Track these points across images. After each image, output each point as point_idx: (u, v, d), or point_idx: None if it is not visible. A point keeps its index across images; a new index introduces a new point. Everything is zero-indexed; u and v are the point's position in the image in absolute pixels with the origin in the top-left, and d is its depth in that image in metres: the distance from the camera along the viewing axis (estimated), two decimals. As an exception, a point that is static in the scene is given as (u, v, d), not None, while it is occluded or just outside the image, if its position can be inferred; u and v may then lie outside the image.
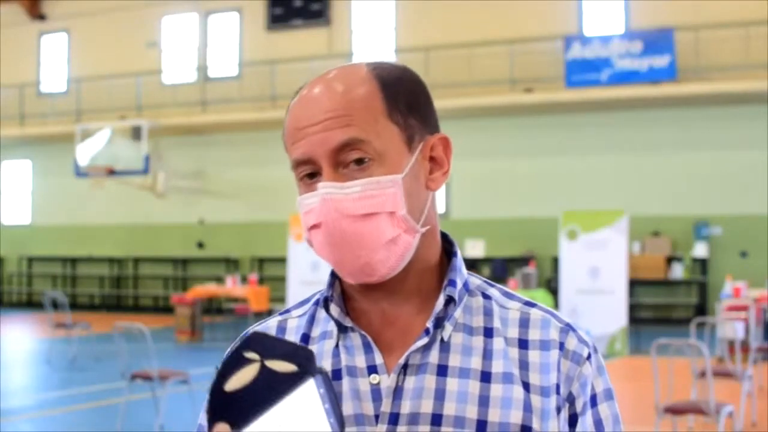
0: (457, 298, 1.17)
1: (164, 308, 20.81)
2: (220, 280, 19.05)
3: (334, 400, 0.94)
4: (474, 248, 19.02)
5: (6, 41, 23.69)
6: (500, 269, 18.53)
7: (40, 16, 23.93)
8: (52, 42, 23.96)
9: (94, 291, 23.24)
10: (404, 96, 1.18)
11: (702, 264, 17.73)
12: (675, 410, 6.42)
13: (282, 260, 17.46)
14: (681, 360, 8.00)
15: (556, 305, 14.61)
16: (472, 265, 18.67)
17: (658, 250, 17.83)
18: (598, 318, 13.40)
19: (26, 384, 11.48)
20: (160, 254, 22.31)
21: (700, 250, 17.60)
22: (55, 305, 13.31)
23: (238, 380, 0.94)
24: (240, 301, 16.72)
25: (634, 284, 16.48)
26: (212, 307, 19.16)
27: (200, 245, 21.93)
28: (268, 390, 0.93)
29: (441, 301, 1.16)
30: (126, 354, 7.85)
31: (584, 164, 18.33)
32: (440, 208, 18.72)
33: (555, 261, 16.96)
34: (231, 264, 21.39)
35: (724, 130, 17.43)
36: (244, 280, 17.29)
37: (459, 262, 1.21)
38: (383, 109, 1.15)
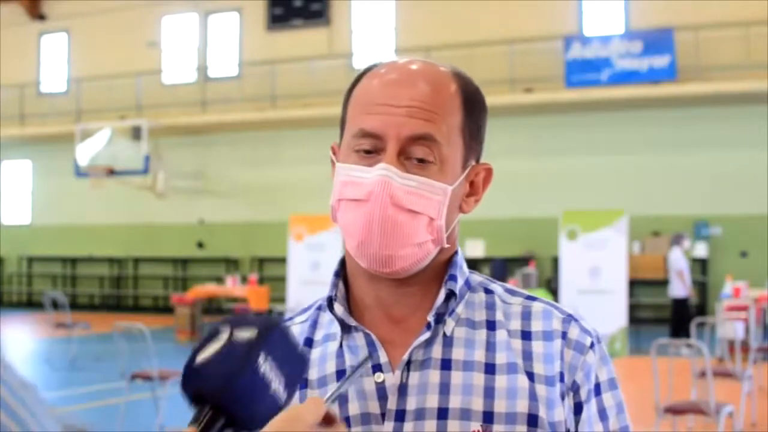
0: (458, 292, 1.18)
1: (164, 308, 20.80)
2: (220, 280, 19.04)
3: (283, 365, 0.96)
4: (474, 248, 19.01)
5: (6, 41, 23.67)
6: (500, 269, 18.51)
7: (40, 16, 23.92)
8: (52, 42, 23.95)
9: (94, 291, 23.24)
10: (476, 117, 1.20)
11: (702, 264, 17.72)
12: (675, 410, 6.42)
13: (282, 260, 17.45)
14: (681, 360, 8.01)
15: (556, 305, 14.60)
16: (473, 265, 18.60)
17: (658, 250, 17.82)
18: (598, 318, 13.38)
19: (26, 384, 11.46)
20: (160, 254, 22.30)
21: (700, 250, 17.60)
22: (55, 305, 13.31)
23: (207, 352, 0.96)
24: (240, 301, 16.72)
25: (634, 284, 16.47)
26: (212, 307, 19.15)
27: (200, 245, 21.92)
28: (229, 357, 0.94)
29: (442, 295, 1.17)
30: (126, 354, 7.85)
31: (584, 164, 18.32)
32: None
33: (555, 261, 16.95)
34: (231, 264, 21.39)
35: (724, 130, 17.42)
36: (244, 280, 17.28)
37: (460, 259, 1.23)
38: (460, 122, 1.17)
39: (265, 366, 0.94)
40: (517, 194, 18.79)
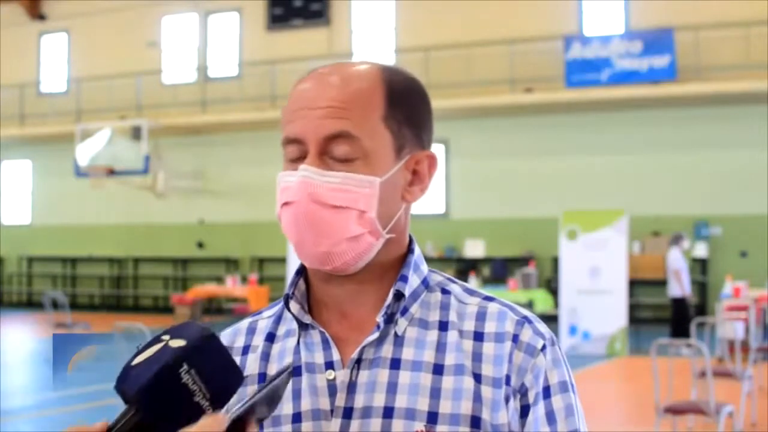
0: (407, 293, 1.19)
1: (164, 308, 20.81)
2: (220, 280, 19.05)
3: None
4: (474, 248, 19.01)
5: (6, 41, 23.68)
6: (500, 269, 18.52)
7: (40, 16, 23.92)
8: (52, 42, 23.95)
9: (94, 291, 23.23)
10: (406, 107, 1.21)
11: (702, 264, 17.72)
12: (675, 410, 6.42)
13: (282, 260, 17.46)
14: (681, 360, 8.01)
15: (556, 305, 14.62)
16: (473, 265, 18.66)
17: (658, 250, 17.81)
18: (598, 318, 13.40)
19: (26, 384, 11.48)
20: (160, 254, 22.30)
21: (700, 250, 17.60)
22: (55, 305, 13.31)
23: (142, 355, 0.97)
24: (240, 301, 16.73)
25: (634, 284, 16.48)
26: (212, 307, 19.16)
27: (200, 245, 21.92)
28: (155, 363, 0.95)
29: (390, 296, 1.19)
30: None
31: (584, 164, 18.32)
32: (440, 208, 18.69)
33: (555, 261, 16.95)
34: (231, 264, 21.39)
35: (724, 130, 17.42)
36: (244, 280, 17.29)
37: (415, 258, 1.24)
38: (382, 112, 1.18)
39: (188, 377, 0.95)
40: (517, 194, 18.80)
